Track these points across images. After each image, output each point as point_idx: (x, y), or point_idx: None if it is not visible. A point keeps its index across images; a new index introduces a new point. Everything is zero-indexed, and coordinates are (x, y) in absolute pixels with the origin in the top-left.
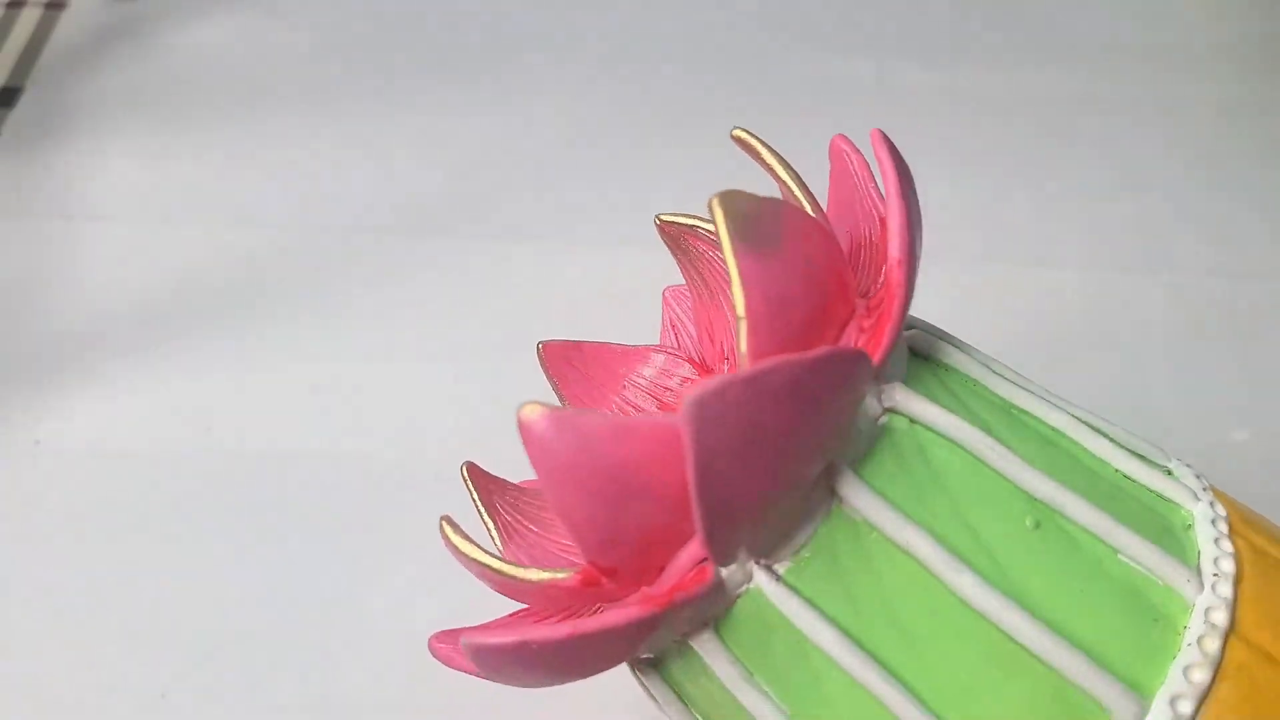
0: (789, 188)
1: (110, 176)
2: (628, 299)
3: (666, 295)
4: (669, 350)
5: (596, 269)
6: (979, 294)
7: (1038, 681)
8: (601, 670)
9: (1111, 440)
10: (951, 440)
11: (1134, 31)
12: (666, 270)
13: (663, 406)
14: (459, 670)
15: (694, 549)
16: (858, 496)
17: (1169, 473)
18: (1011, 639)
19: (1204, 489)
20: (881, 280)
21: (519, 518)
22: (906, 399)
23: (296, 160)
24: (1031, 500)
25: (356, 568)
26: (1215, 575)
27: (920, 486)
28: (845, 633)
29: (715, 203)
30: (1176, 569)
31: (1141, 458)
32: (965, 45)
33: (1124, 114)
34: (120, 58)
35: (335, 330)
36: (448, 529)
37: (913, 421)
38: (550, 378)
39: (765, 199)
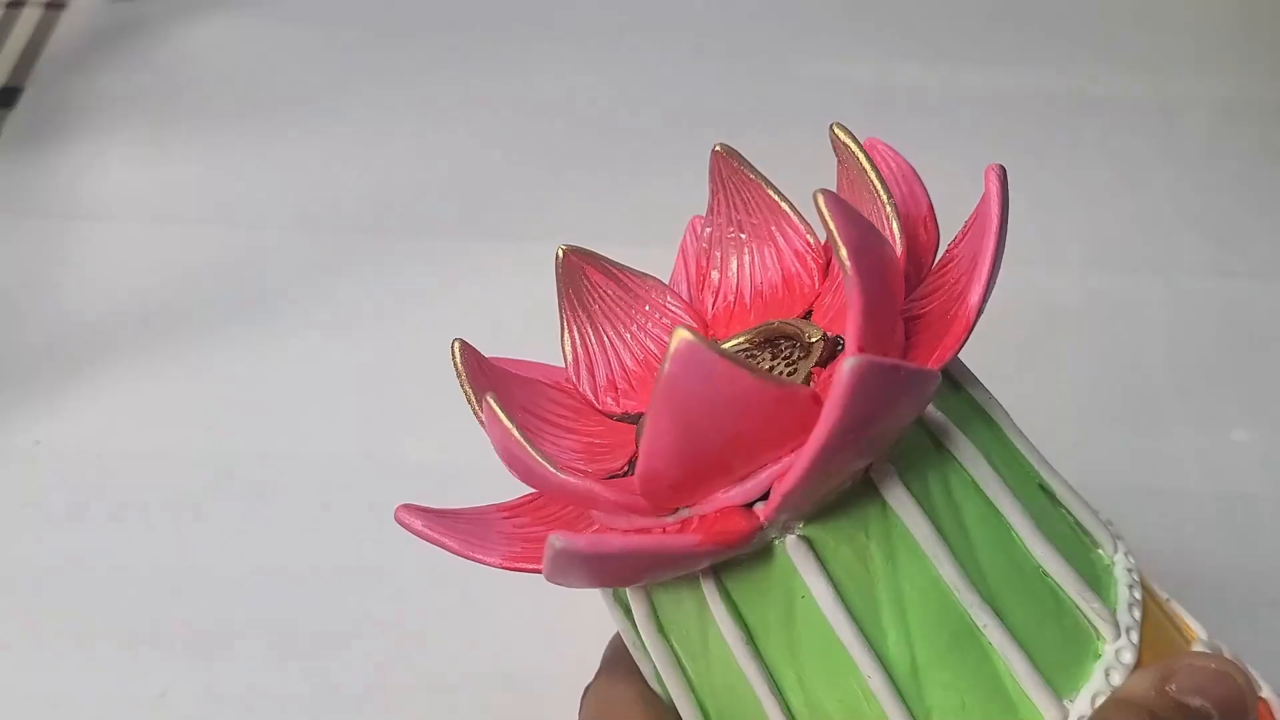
0: (877, 190)
1: (110, 176)
2: None
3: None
4: (551, 385)
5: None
6: None
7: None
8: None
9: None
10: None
11: (1134, 31)
12: (666, 269)
13: (555, 426)
14: (425, 539)
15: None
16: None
17: (1108, 570)
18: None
19: (1130, 627)
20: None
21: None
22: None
23: (296, 160)
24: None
25: (356, 566)
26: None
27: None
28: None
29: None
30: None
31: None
32: (965, 45)
33: (1124, 114)
34: (120, 58)
35: (335, 330)
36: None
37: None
38: (463, 380)
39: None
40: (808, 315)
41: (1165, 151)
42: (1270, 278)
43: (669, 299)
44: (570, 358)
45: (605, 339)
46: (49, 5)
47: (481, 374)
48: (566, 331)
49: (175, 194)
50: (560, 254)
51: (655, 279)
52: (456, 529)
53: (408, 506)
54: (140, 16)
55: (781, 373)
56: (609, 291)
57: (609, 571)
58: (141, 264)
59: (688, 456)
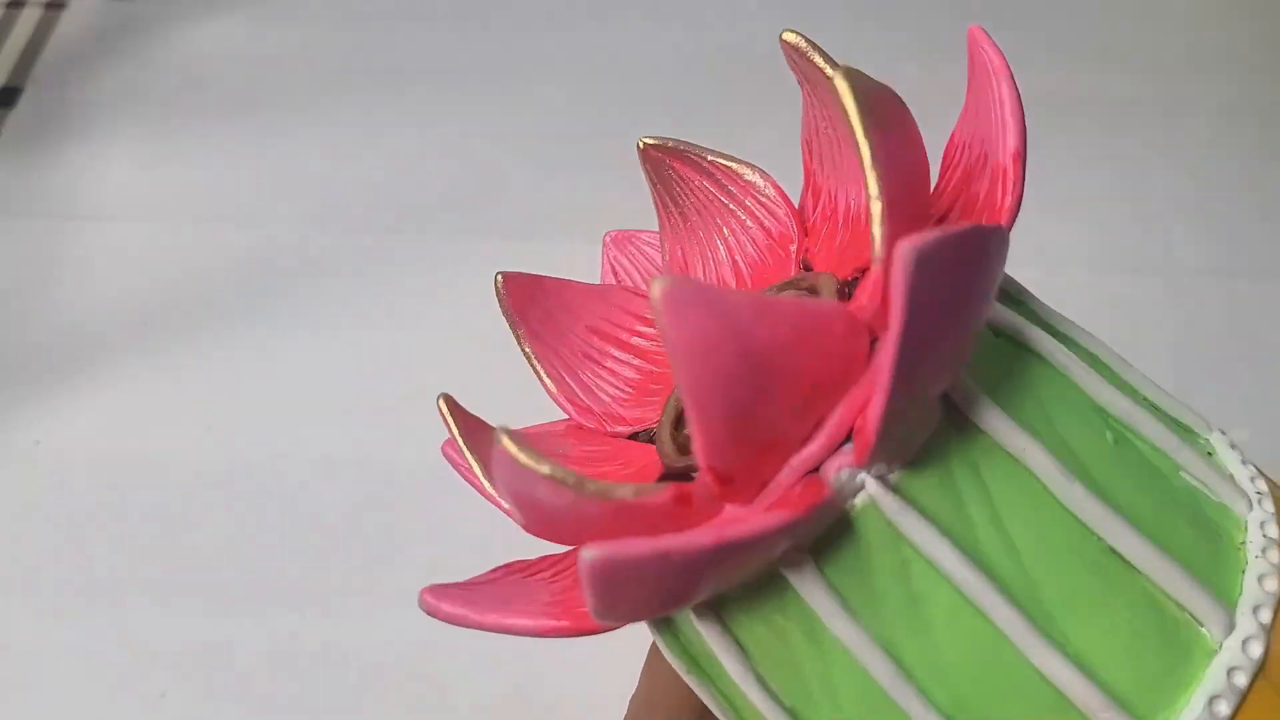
0: (856, 132)
1: (110, 176)
2: None
3: (607, 240)
4: (628, 289)
5: (600, 268)
6: None
7: (1136, 593)
8: (722, 587)
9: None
10: (1034, 350)
11: (1134, 31)
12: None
13: (622, 347)
14: (455, 623)
15: (810, 451)
16: (970, 401)
17: (1210, 454)
18: (1113, 550)
19: (1257, 492)
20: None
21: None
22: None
23: (296, 160)
24: (1107, 415)
25: (355, 567)
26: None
27: (1019, 395)
28: (960, 547)
29: (840, 80)
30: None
31: (1190, 435)
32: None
33: (1124, 114)
34: (120, 58)
35: (335, 330)
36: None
37: (996, 332)
38: (509, 314)
39: (879, 82)
40: (808, 270)
41: (1165, 151)
42: (1270, 278)
43: (772, 194)
44: (668, 262)
45: (701, 241)
46: (49, 5)
47: (532, 302)
48: (663, 232)
49: (175, 194)
50: (641, 146)
51: (756, 167)
52: (487, 602)
53: (433, 589)
54: (140, 16)
55: None
56: (700, 187)
57: (668, 578)
58: (141, 264)
59: (740, 433)
